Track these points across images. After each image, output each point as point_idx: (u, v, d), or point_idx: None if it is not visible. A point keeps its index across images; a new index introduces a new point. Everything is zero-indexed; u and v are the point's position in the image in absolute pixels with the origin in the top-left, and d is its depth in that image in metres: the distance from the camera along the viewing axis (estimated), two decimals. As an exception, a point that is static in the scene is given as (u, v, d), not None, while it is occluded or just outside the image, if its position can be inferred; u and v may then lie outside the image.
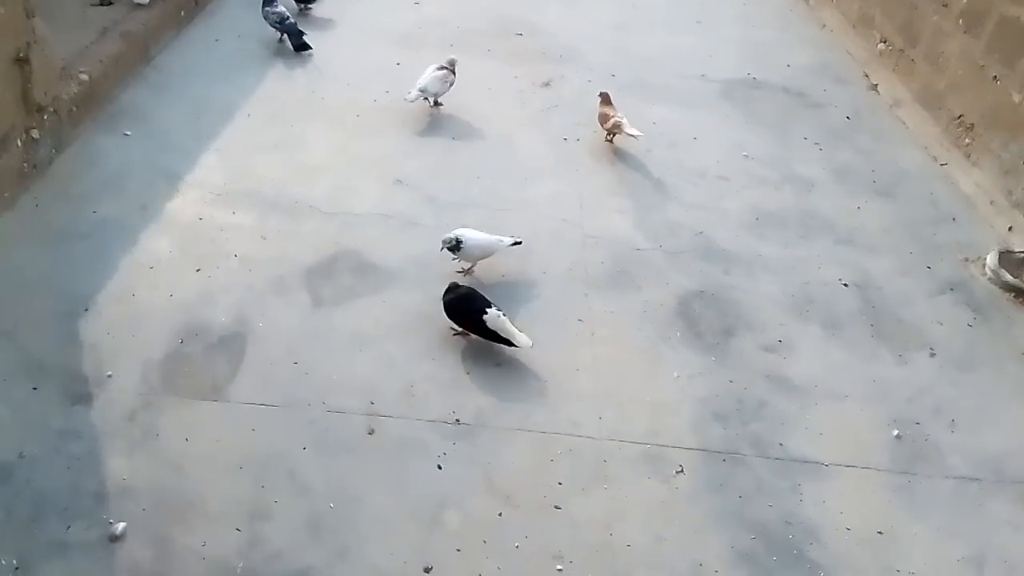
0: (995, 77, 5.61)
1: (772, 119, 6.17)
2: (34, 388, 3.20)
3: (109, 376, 3.31)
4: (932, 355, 4.16)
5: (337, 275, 4.01)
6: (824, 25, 7.98)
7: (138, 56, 5.20)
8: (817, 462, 3.50)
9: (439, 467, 3.20)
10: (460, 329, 3.70)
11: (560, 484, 3.21)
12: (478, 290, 3.80)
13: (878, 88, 6.87)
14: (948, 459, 3.60)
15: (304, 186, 4.52)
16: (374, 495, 3.05)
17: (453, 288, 3.72)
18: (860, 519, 3.28)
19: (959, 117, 5.97)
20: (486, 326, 3.58)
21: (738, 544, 3.12)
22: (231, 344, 3.53)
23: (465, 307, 3.65)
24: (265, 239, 4.14)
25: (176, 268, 3.86)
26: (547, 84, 6.04)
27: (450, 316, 3.68)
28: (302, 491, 3.02)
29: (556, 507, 3.13)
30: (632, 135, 5.23)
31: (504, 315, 3.63)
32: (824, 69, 7.09)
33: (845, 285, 4.55)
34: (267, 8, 5.70)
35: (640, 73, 6.48)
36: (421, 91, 5.18)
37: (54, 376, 3.25)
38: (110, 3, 5.34)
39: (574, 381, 3.68)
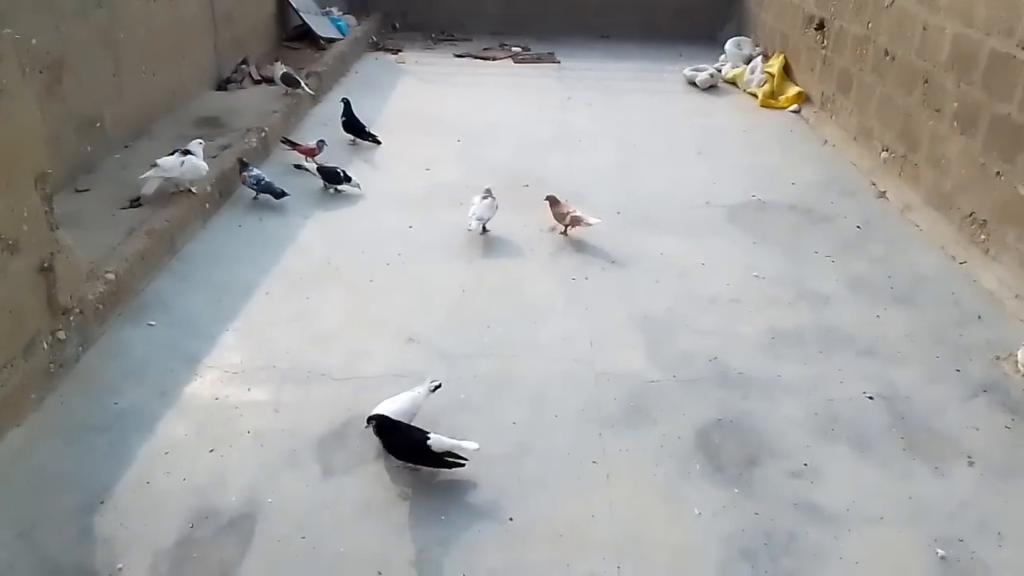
0: (998, 173, 5.63)
1: (781, 237, 6.21)
2: (48, 587, 3.22)
3: (120, 569, 3.32)
4: (971, 464, 3.94)
5: (348, 441, 4.04)
6: (826, 141, 8.17)
7: (164, 249, 5.54)
8: (852, 596, 3.26)
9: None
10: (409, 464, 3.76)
11: None
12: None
13: (887, 195, 6.92)
14: (999, 577, 3.32)
15: (317, 355, 4.64)
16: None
17: (380, 425, 3.79)
18: (910, 658, 3.00)
19: (971, 215, 5.94)
20: (432, 451, 3.67)
21: None
22: (240, 525, 3.53)
23: (406, 441, 3.75)
24: (278, 412, 4.22)
25: (191, 451, 3.93)
26: (553, 229, 6.21)
27: (394, 454, 3.78)
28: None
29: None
30: (591, 224, 5.85)
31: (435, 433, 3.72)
32: (830, 183, 7.18)
33: (871, 399, 4.40)
34: (244, 174, 6.30)
35: (645, 209, 6.65)
36: (479, 219, 5.88)
37: (68, 575, 3.27)
38: (139, 204, 5.77)
39: (590, 530, 3.55)
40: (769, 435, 4.14)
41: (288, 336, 4.83)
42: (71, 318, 4.53)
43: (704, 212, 6.63)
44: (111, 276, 4.97)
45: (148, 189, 5.88)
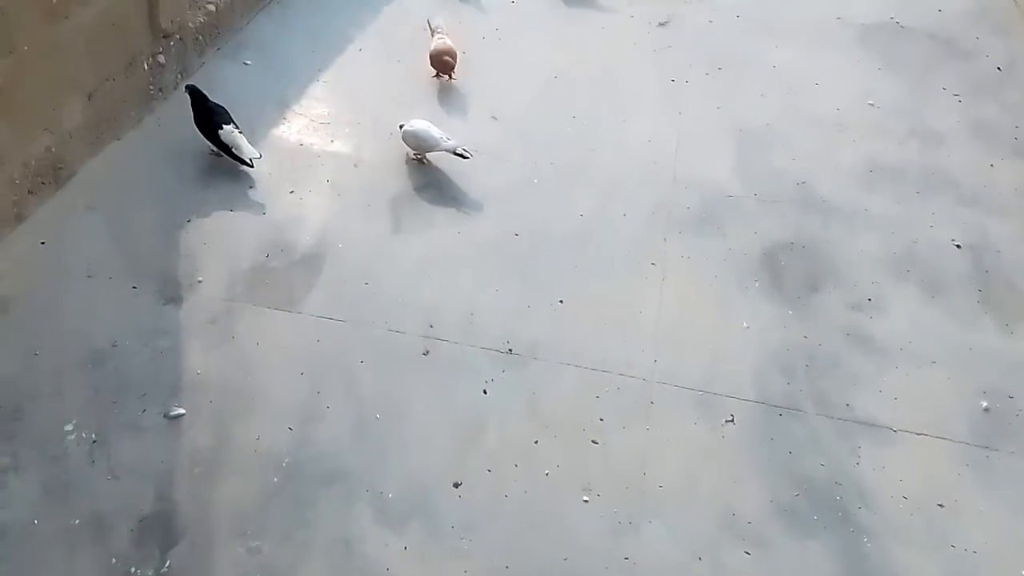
0: None
1: (910, 67, 5.66)
2: (134, 287, 3.56)
3: (200, 282, 3.62)
4: (1045, 328, 3.78)
5: (420, 205, 4.15)
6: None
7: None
8: (885, 426, 3.32)
9: (484, 392, 3.30)
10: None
11: (601, 420, 3.23)
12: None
13: (1043, 36, 6.13)
14: (1040, 437, 3.30)
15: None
16: (419, 411, 3.20)
17: (194, 92, 4.11)
18: (921, 489, 3.09)
19: None
20: (220, 140, 3.99)
21: (779, 498, 3.03)
22: (311, 262, 3.76)
23: (207, 119, 4.05)
24: (357, 167, 4.33)
25: (272, 189, 4.13)
26: (664, 24, 5.83)
27: (197, 123, 4.09)
28: (354, 400, 3.22)
29: (593, 441, 3.16)
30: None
31: (240, 132, 4.02)
32: (981, 15, 6.38)
33: (958, 247, 4.20)
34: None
35: (768, 12, 6.10)
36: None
37: (153, 278, 3.60)
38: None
39: (635, 323, 3.65)
40: (839, 264, 4.04)
41: (375, 96, 4.83)
42: (171, 44, 4.62)
43: (833, 27, 6.04)
44: (211, 7, 4.98)
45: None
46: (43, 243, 3.70)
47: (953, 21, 6.25)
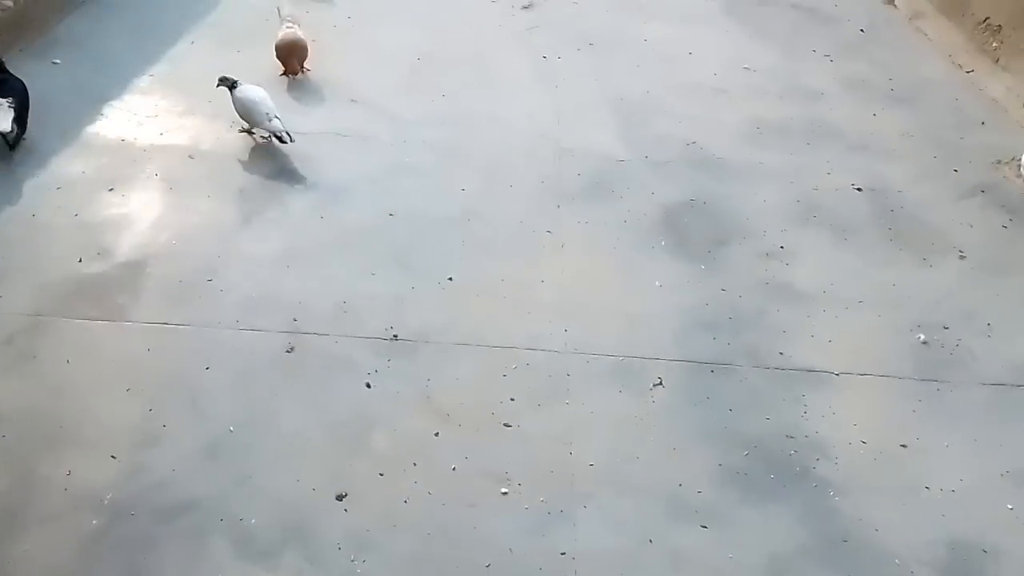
0: (1025, -31, 4.98)
1: (778, 34, 5.57)
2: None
3: (-4, 297, 2.87)
4: (962, 257, 3.58)
5: (273, 193, 3.55)
6: (834, -49, 7.33)
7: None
8: (825, 371, 2.95)
9: (368, 385, 2.71)
10: None
11: (512, 400, 2.71)
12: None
13: (895, 3, 6.23)
14: (984, 365, 3.03)
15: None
16: (286, 418, 2.58)
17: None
18: (878, 432, 2.72)
19: (985, 20, 5.34)
20: None
21: (727, 461, 2.59)
22: (138, 264, 3.09)
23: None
24: (193, 159, 3.69)
25: (86, 189, 3.43)
26: (527, 7, 5.51)
27: None
28: (199, 415, 2.56)
29: (505, 424, 2.63)
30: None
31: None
32: (838, -16, 6.45)
33: (859, 190, 3.97)
34: None
35: (634, -8, 5.91)
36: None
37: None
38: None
39: (536, 294, 3.17)
40: (744, 217, 3.72)
41: (212, 88, 4.20)
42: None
43: (699, 3, 5.92)
44: (8, 3, 4.25)
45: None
46: None
47: (812, -9, 6.27)
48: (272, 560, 2.18)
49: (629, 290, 3.23)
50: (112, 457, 2.40)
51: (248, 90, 3.72)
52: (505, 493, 2.42)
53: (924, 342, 3.11)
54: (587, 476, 2.49)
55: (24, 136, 3.60)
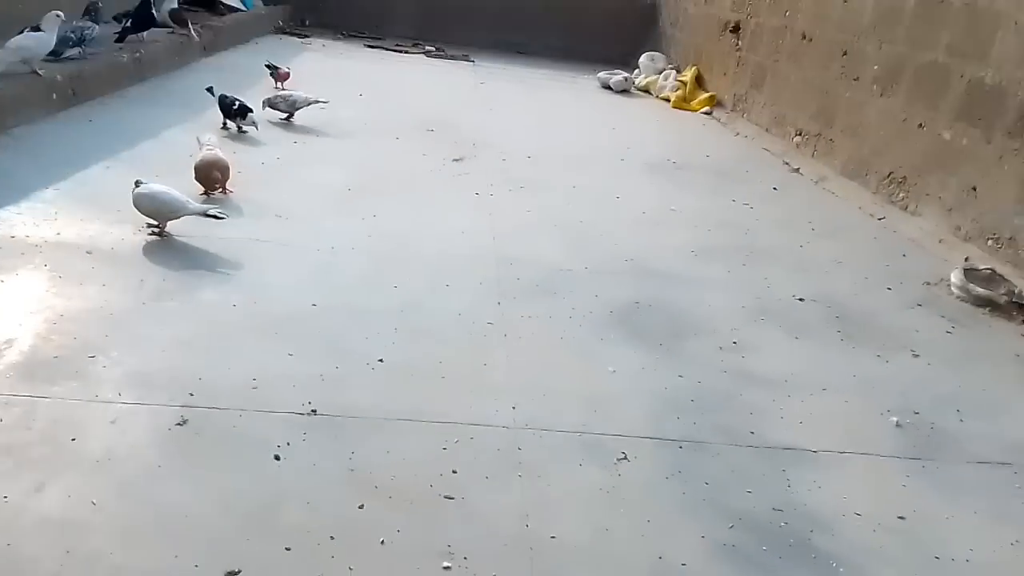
0: (920, 124, 5.44)
1: (698, 187, 5.83)
2: None
3: None
4: (916, 356, 3.46)
5: (180, 283, 3.19)
6: (738, 133, 7.99)
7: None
8: (804, 449, 2.64)
9: (276, 458, 2.23)
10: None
11: (454, 472, 2.27)
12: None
13: (800, 171, 6.67)
14: (967, 446, 2.79)
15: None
16: (165, 493, 2.06)
17: None
18: (871, 505, 2.39)
19: (889, 175, 5.73)
20: None
21: (712, 534, 2.17)
22: (3, 340, 2.62)
23: None
24: (91, 254, 3.35)
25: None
26: (458, 160, 5.61)
27: None
28: (52, 490, 2.01)
29: (446, 496, 2.17)
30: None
31: None
32: (744, 159, 6.93)
33: (801, 300, 3.90)
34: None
35: (558, 155, 6.15)
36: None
37: None
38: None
39: (480, 375, 2.83)
40: (693, 316, 3.55)
41: (123, 202, 3.94)
42: None
43: (619, 165, 6.19)
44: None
45: (-4, 68, 4.96)
46: None
47: (722, 162, 6.68)
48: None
49: (581, 374, 2.93)
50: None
51: (153, 185, 3.51)
52: (447, 568, 1.92)
53: (898, 425, 2.87)
54: (549, 549, 2.02)
55: None
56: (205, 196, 4.12)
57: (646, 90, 9.77)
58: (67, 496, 1.98)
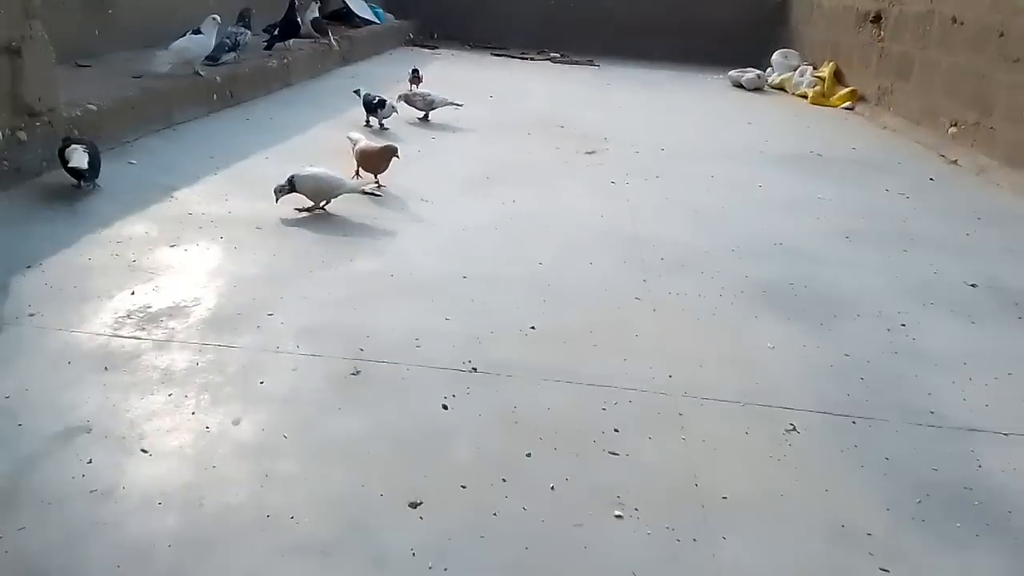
0: (1096, 105, 4.97)
1: (847, 178, 5.54)
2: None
3: (31, 315, 2.57)
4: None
5: (344, 253, 3.32)
6: (885, 127, 7.59)
7: (158, 113, 4.98)
8: (993, 431, 2.43)
9: (444, 407, 2.27)
10: None
11: (616, 431, 2.23)
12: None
13: (958, 163, 6.25)
14: None
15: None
16: (346, 430, 2.13)
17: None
18: (1082, 486, 2.15)
19: (1062, 163, 5.26)
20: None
21: (897, 507, 2.03)
22: (192, 299, 2.80)
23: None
24: (260, 229, 3.53)
25: (147, 244, 3.24)
26: (591, 153, 5.60)
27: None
28: (248, 424, 2.12)
29: (611, 452, 2.13)
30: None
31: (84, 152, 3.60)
32: (894, 152, 6.56)
33: (974, 286, 3.62)
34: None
35: (691, 149, 6.03)
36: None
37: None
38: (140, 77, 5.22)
39: (632, 343, 2.78)
40: (852, 297, 3.37)
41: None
42: (37, 125, 3.91)
43: (759, 156, 6.00)
44: (92, 107, 4.38)
45: (158, 68, 5.35)
46: None
47: (870, 155, 6.35)
48: (332, 559, 1.65)
49: (737, 348, 2.83)
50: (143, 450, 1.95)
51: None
52: (619, 516, 1.88)
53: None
54: (721, 507, 1.95)
55: (96, 183, 3.71)
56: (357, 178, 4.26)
57: (780, 88, 9.46)
58: (260, 429, 2.08)
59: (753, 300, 3.24)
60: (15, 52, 3.71)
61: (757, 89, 9.32)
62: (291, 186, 3.62)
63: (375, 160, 4.20)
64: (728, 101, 8.67)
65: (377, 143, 4.38)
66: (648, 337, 2.82)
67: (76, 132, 4.01)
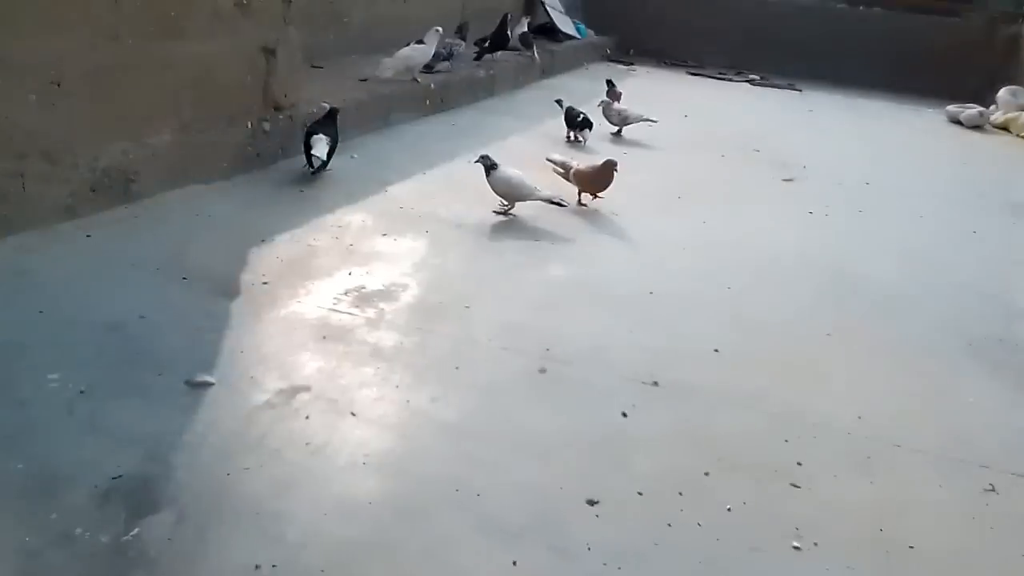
0: None
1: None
2: (184, 278, 2.87)
3: (265, 283, 2.92)
4: None
5: (537, 258, 3.50)
6: None
7: (378, 112, 5.41)
8: None
9: (624, 415, 2.34)
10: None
11: (799, 464, 2.20)
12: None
13: None
14: None
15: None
16: (532, 422, 2.26)
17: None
18: None
19: None
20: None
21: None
22: (399, 285, 3.06)
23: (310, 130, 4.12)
24: (460, 227, 3.78)
25: (362, 232, 3.56)
26: (789, 180, 5.46)
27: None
28: (443, 404, 2.30)
29: (792, 484, 2.11)
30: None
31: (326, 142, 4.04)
32: None
33: None
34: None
35: (900, 184, 5.72)
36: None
37: (209, 274, 2.92)
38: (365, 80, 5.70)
39: (819, 378, 2.73)
40: (1076, 362, 3.08)
41: (486, 191, 4.37)
42: (281, 118, 4.39)
43: (976, 200, 5.58)
44: (325, 105, 4.83)
45: (382, 73, 5.82)
46: (88, 236, 3.11)
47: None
48: (514, 542, 1.78)
49: (933, 398, 2.69)
50: (352, 414, 2.18)
51: (508, 169, 3.89)
52: (797, 548, 1.87)
53: None
54: (908, 556, 1.89)
55: (328, 167, 4.13)
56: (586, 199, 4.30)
57: (1004, 127, 8.69)
58: (454, 410, 2.26)
59: (954, 351, 3.06)
60: (271, 52, 4.19)
61: (977, 127, 8.63)
62: (487, 162, 3.87)
63: (599, 177, 4.17)
64: (943, 139, 8.10)
65: (590, 161, 4.43)
66: (839, 375, 2.75)
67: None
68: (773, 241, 4.09)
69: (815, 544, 1.88)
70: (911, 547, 1.92)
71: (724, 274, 3.54)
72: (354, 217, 3.72)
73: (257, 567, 1.63)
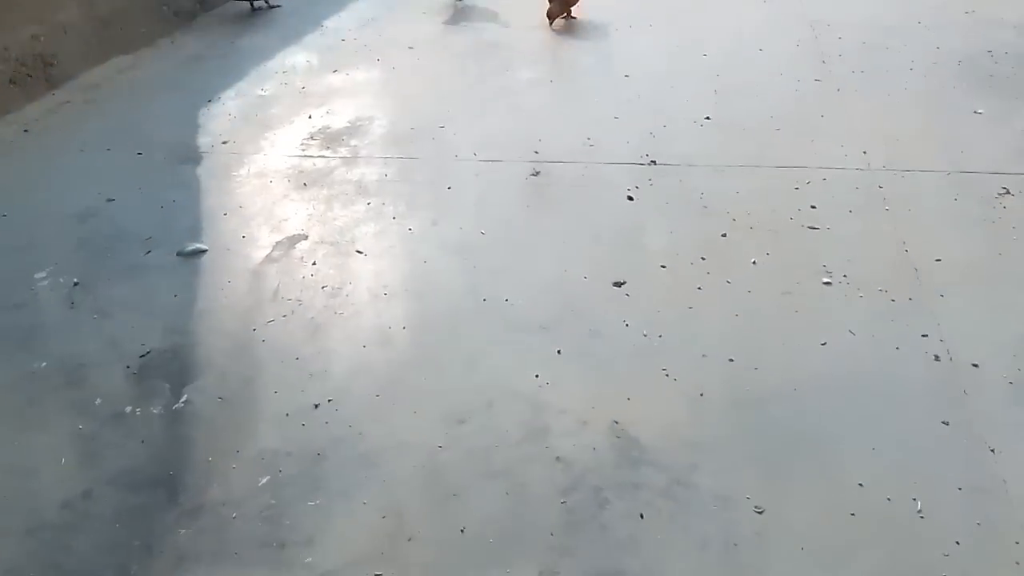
0: None
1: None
2: (139, 153, 2.69)
3: (224, 143, 2.75)
4: None
5: (504, 68, 3.28)
6: None
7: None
8: None
9: (630, 198, 2.27)
10: None
11: (813, 208, 2.17)
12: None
13: None
14: None
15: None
16: (540, 222, 2.20)
17: None
18: None
19: None
20: None
21: None
22: (366, 119, 2.89)
23: None
24: (413, 48, 3.52)
25: (311, 72, 3.32)
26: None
27: None
28: (445, 223, 2.22)
29: (810, 227, 2.09)
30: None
31: None
32: None
33: None
34: None
35: None
36: None
37: (163, 146, 2.74)
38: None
39: (818, 127, 2.65)
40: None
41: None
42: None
43: None
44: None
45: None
46: (26, 130, 2.88)
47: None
48: (553, 333, 1.77)
49: (936, 119, 2.65)
50: (358, 251, 2.09)
51: None
52: (827, 283, 1.87)
53: None
54: (936, 269, 1.90)
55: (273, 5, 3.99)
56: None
57: None
58: (459, 228, 2.19)
59: (948, 72, 2.98)
60: None
61: None
62: None
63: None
64: None
65: None
66: (835, 117, 2.67)
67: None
68: (744, 9, 3.85)
69: (844, 276, 1.88)
70: (938, 260, 1.93)
71: (698, 46, 3.36)
72: (297, 59, 3.46)
73: (316, 406, 1.62)
